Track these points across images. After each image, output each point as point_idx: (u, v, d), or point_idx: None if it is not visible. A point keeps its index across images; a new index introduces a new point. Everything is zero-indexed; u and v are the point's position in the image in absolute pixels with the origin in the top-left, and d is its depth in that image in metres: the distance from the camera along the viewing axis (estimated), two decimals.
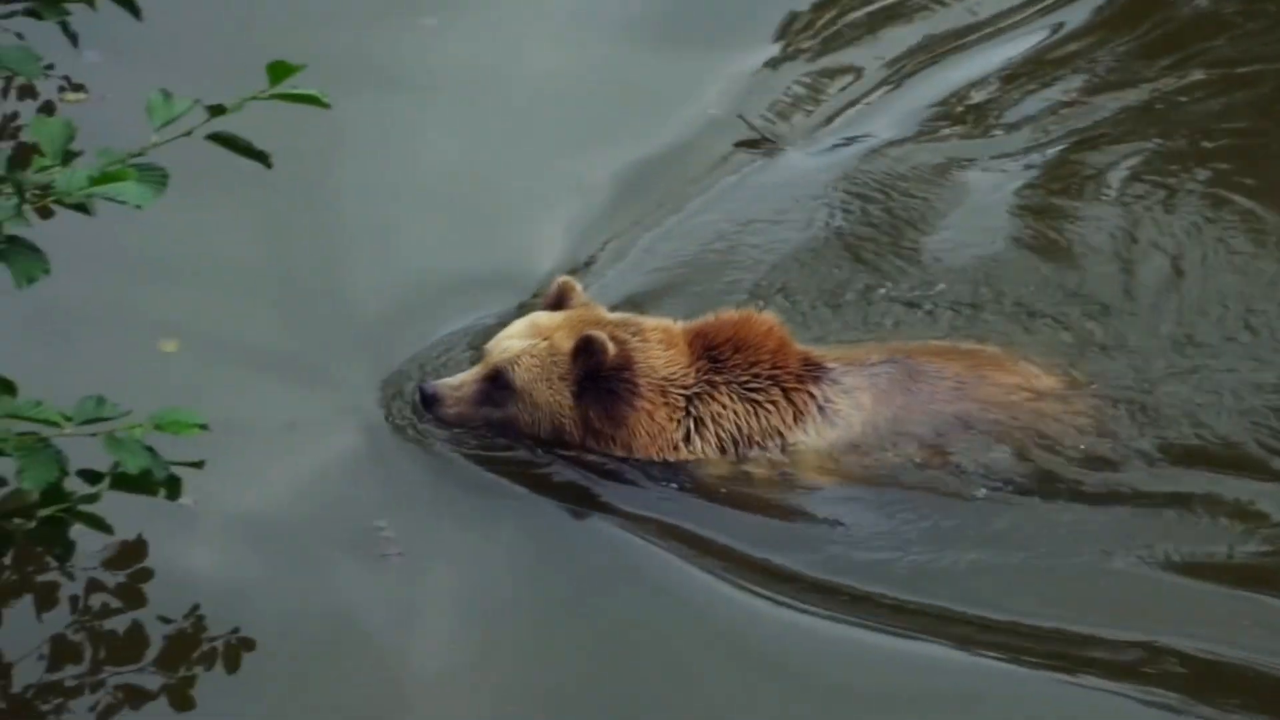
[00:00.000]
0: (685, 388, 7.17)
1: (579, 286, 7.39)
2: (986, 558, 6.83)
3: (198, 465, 5.38)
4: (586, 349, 7.07)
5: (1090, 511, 6.99)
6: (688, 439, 7.17)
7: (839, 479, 7.14)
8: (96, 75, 8.78)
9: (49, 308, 7.45)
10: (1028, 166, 9.09)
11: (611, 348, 7.07)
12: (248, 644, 6.29)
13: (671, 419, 7.16)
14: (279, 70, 4.96)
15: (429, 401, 7.20)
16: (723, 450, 7.17)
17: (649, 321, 7.31)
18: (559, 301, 7.36)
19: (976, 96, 9.71)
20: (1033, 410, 7.22)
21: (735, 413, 7.17)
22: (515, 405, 7.17)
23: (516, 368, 7.14)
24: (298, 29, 9.55)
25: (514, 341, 7.19)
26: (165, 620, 6.36)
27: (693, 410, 7.16)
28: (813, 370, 7.23)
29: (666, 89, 9.62)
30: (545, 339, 7.15)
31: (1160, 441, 7.21)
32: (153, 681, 6.15)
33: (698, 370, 7.19)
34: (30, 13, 5.68)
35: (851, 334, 7.89)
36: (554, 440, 7.20)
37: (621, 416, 7.13)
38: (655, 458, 7.16)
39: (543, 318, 7.28)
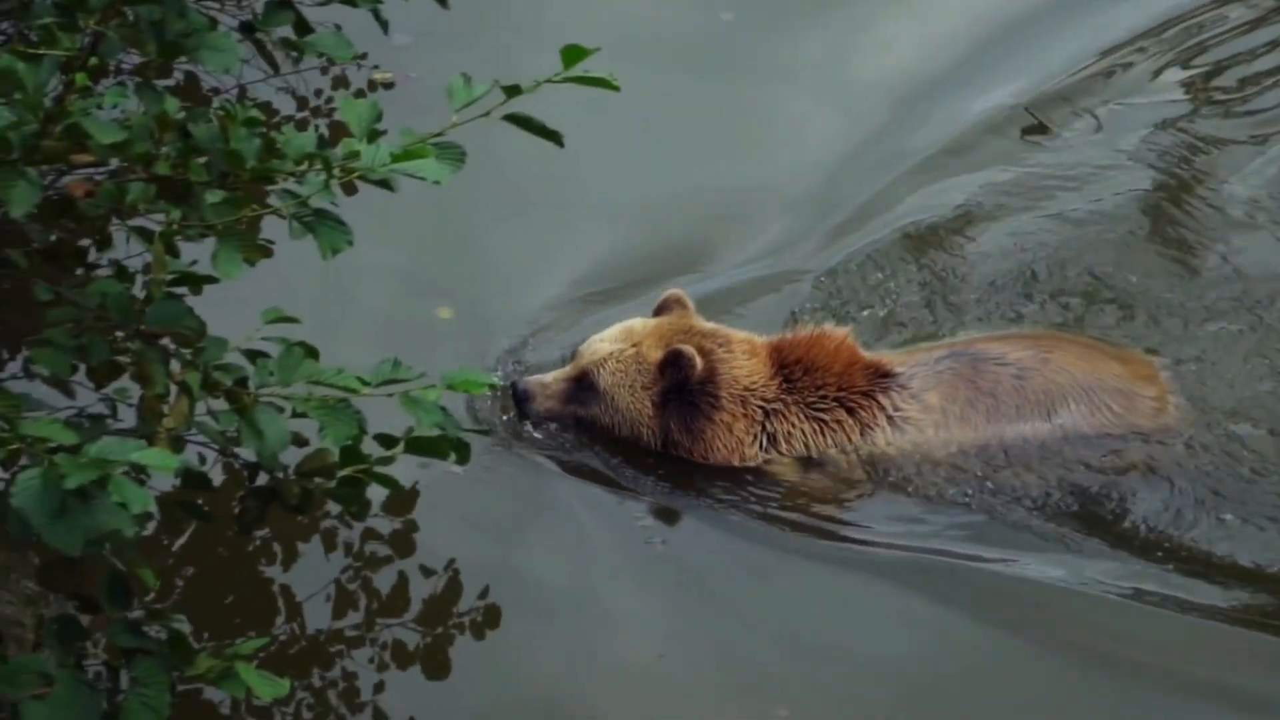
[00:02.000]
0: (765, 401, 7.23)
1: (689, 301, 7.44)
2: (1059, 555, 6.86)
3: (484, 433, 5.55)
4: (674, 363, 7.16)
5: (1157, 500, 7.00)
6: (763, 451, 7.23)
7: (911, 481, 7.14)
8: (406, 58, 9.06)
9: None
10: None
11: (699, 363, 7.13)
12: (495, 611, 6.52)
13: (749, 432, 7.23)
14: (572, 54, 5.09)
15: (521, 398, 7.30)
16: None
17: (736, 334, 7.37)
18: (662, 310, 7.44)
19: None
20: (1093, 399, 7.14)
21: (804, 431, 7.22)
22: (598, 406, 7.28)
23: (602, 370, 7.26)
24: (597, 12, 9.75)
25: (604, 345, 7.32)
26: (426, 572, 6.62)
27: (768, 426, 7.22)
28: (881, 381, 7.24)
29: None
30: (634, 346, 7.26)
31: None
32: (413, 639, 6.41)
33: (777, 385, 7.24)
34: (346, 0, 5.99)
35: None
36: (633, 441, 7.29)
37: (699, 430, 7.21)
38: (736, 464, 7.22)
39: (636, 324, 7.40)
